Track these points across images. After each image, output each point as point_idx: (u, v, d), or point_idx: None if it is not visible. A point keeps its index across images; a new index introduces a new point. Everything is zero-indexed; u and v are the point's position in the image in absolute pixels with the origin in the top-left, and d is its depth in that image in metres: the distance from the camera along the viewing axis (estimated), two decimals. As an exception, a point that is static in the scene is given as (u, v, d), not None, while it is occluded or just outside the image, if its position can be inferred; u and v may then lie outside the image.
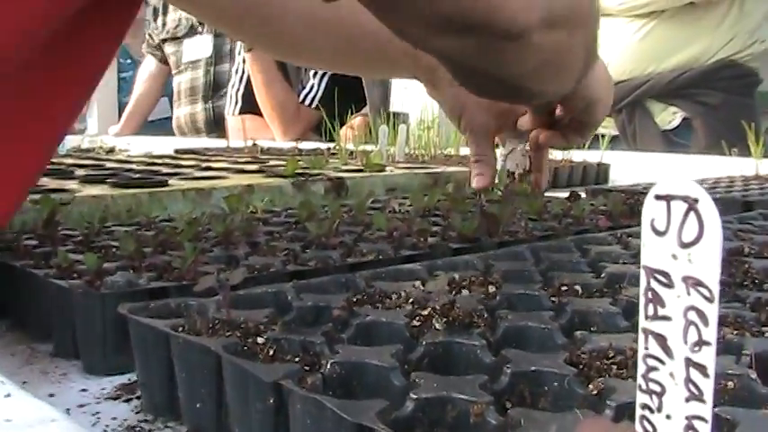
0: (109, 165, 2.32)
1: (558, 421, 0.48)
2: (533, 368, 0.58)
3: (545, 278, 0.88)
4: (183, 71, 5.50)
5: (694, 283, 0.32)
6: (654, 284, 0.34)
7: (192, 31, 5.49)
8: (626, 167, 2.43)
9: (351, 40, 1.17)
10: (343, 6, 1.12)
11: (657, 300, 0.34)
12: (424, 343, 0.65)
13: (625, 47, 3.05)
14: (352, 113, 3.58)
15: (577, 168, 2.33)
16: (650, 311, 0.34)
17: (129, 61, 6.51)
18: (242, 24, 1.17)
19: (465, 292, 0.80)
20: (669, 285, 0.33)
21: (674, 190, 0.32)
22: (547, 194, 1.61)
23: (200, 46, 5.41)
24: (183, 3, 1.17)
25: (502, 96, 0.92)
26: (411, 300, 0.76)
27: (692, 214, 0.32)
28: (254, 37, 1.26)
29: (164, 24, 5.68)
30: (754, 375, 0.57)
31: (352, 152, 2.65)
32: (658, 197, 0.33)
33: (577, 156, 2.50)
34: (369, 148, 2.64)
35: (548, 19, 0.74)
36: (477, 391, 0.53)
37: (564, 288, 0.83)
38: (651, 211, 0.33)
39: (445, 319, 0.69)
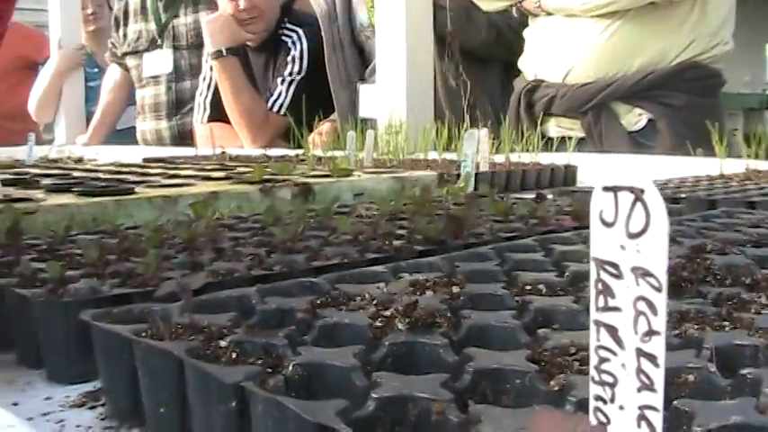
0: (75, 174, 2.30)
1: (517, 416, 0.48)
2: (495, 366, 0.58)
3: (509, 278, 0.89)
4: (145, 86, 5.46)
5: (643, 274, 0.33)
6: (603, 276, 0.34)
7: (152, 45, 5.45)
8: (593, 169, 2.44)
9: None
10: None
11: (607, 291, 0.34)
12: (386, 343, 0.65)
13: (590, 49, 3.06)
14: (320, 120, 3.58)
15: (545, 171, 2.34)
16: (601, 303, 0.35)
17: (95, 70, 6.46)
18: None
19: (429, 292, 0.80)
20: (618, 276, 0.34)
21: (620, 181, 0.33)
22: (514, 196, 1.62)
23: (160, 61, 5.36)
24: None
25: None
26: (374, 301, 0.76)
27: (638, 205, 0.32)
28: None
29: (125, 36, 5.64)
30: (713, 368, 0.58)
31: (320, 158, 2.65)
32: (606, 188, 0.33)
33: (545, 158, 2.51)
34: (337, 153, 2.64)
35: None
36: (438, 389, 0.53)
37: (527, 287, 0.84)
38: (599, 202, 0.34)
39: (408, 320, 0.69)
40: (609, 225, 0.33)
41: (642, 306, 0.33)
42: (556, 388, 0.55)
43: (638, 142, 3.04)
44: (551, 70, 3.21)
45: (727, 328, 0.69)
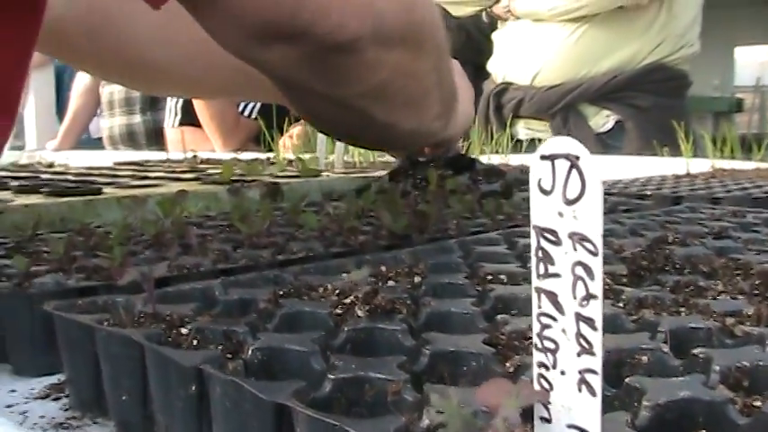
0: (45, 176, 2.29)
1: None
2: (452, 349, 0.59)
3: (471, 269, 0.90)
4: None
5: (580, 239, 0.34)
6: (543, 243, 0.35)
7: None
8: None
9: (211, 62, 1.19)
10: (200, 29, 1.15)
11: (547, 258, 0.35)
12: (345, 329, 0.65)
13: (557, 52, 3.09)
14: (290, 123, 3.57)
15: (514, 172, 2.35)
16: (541, 270, 0.36)
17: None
18: (105, 63, 1.17)
19: (391, 283, 0.81)
20: (557, 243, 0.35)
21: (557, 149, 0.34)
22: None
23: None
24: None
25: (357, 131, 0.96)
26: (337, 291, 0.77)
27: (574, 171, 0.33)
28: (116, 72, 1.26)
29: None
30: (666, 349, 0.59)
31: (290, 161, 2.65)
32: (543, 157, 0.34)
33: (515, 160, 2.53)
34: (308, 156, 2.64)
35: (379, 31, 0.74)
36: (394, 370, 0.54)
37: (489, 277, 0.84)
38: (538, 171, 0.35)
39: (368, 307, 0.69)
40: (547, 193, 0.34)
41: (580, 271, 0.34)
42: (511, 369, 0.56)
43: (606, 143, 3.07)
44: (519, 73, 3.23)
45: (682, 313, 0.70)
